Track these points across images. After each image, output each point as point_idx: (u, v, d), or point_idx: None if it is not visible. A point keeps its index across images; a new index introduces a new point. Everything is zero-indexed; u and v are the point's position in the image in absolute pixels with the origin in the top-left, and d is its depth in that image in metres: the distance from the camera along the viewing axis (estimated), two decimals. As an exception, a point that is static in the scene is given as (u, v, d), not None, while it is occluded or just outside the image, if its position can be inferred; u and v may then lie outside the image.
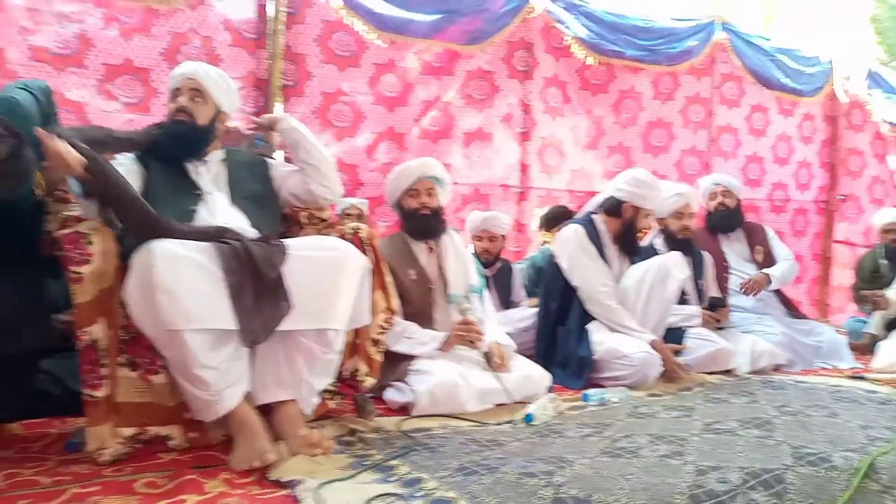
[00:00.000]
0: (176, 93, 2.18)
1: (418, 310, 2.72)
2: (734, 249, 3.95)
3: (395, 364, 2.54)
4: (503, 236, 4.03)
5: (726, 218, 3.93)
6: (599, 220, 3.30)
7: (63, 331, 2.01)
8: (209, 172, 2.20)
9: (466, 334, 2.61)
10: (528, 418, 2.27)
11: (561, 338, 3.16)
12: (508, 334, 2.90)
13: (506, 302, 3.91)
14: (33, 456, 1.83)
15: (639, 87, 5.10)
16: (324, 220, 2.39)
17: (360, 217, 3.94)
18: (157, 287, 1.70)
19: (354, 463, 1.76)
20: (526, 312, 3.64)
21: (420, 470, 1.68)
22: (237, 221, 2.09)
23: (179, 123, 2.15)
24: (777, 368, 3.43)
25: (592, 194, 4.23)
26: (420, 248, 2.86)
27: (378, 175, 4.24)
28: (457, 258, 2.87)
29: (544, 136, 4.78)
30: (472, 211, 4.10)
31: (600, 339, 3.04)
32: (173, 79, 2.22)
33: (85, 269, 1.77)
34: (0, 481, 1.62)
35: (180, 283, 1.72)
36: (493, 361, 2.58)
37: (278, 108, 3.89)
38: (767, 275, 3.77)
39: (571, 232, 3.25)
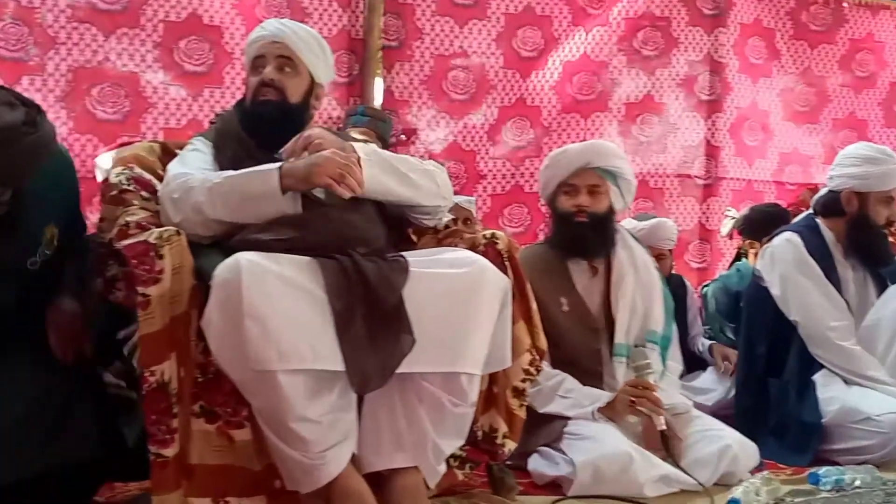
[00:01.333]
0: (258, 62, 2.30)
1: (572, 357, 2.71)
2: None
3: (544, 423, 2.57)
4: (671, 251, 4.00)
5: None
6: (824, 225, 3.22)
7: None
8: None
9: (638, 401, 2.58)
10: (735, 505, 2.23)
11: (774, 394, 3.09)
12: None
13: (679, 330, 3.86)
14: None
15: (880, 33, 4.94)
16: (446, 227, 2.45)
17: (466, 222, 3.98)
18: (247, 314, 1.78)
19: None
20: (710, 378, 3.66)
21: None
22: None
23: (266, 104, 2.26)
24: None
25: (811, 188, 4.14)
26: (580, 268, 2.85)
27: (503, 164, 4.34)
28: (638, 287, 2.82)
29: (741, 105, 4.73)
30: (627, 219, 3.99)
31: (832, 395, 2.95)
32: (253, 44, 2.34)
33: (153, 291, 1.88)
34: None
35: (275, 310, 1.80)
36: (670, 444, 2.53)
37: (378, 82, 4.02)
38: None
39: (784, 244, 3.17)
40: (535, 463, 2.54)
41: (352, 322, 1.88)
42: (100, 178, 3.18)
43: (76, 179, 2.31)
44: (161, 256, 1.90)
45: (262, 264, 1.85)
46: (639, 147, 4.59)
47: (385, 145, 3.35)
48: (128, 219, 2.07)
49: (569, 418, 2.58)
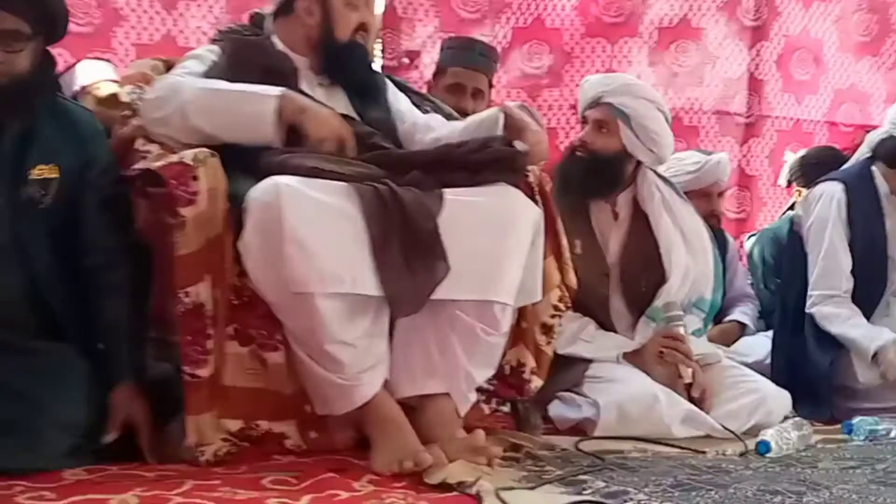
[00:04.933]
0: None
1: (582, 303, 3.10)
2: None
3: (565, 368, 3.08)
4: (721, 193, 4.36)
5: None
6: (880, 174, 3.67)
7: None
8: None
9: (668, 352, 3.09)
10: (764, 447, 2.75)
11: (805, 351, 3.60)
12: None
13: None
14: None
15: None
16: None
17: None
18: (287, 238, 2.26)
19: (531, 476, 2.35)
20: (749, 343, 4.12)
21: (622, 485, 2.26)
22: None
23: (360, 49, 2.95)
24: None
25: (870, 129, 4.42)
26: (601, 210, 3.34)
27: (518, 95, 4.72)
28: (678, 240, 3.27)
29: (790, 33, 5.08)
30: (690, 151, 4.41)
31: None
32: None
33: (189, 212, 2.37)
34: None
35: (315, 234, 2.29)
36: (695, 393, 3.07)
37: None
38: None
39: (823, 193, 3.65)
40: (557, 408, 3.06)
41: (388, 247, 2.36)
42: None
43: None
44: (196, 178, 2.38)
45: (300, 189, 2.32)
46: (672, 79, 4.96)
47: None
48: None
49: (590, 361, 3.09)
